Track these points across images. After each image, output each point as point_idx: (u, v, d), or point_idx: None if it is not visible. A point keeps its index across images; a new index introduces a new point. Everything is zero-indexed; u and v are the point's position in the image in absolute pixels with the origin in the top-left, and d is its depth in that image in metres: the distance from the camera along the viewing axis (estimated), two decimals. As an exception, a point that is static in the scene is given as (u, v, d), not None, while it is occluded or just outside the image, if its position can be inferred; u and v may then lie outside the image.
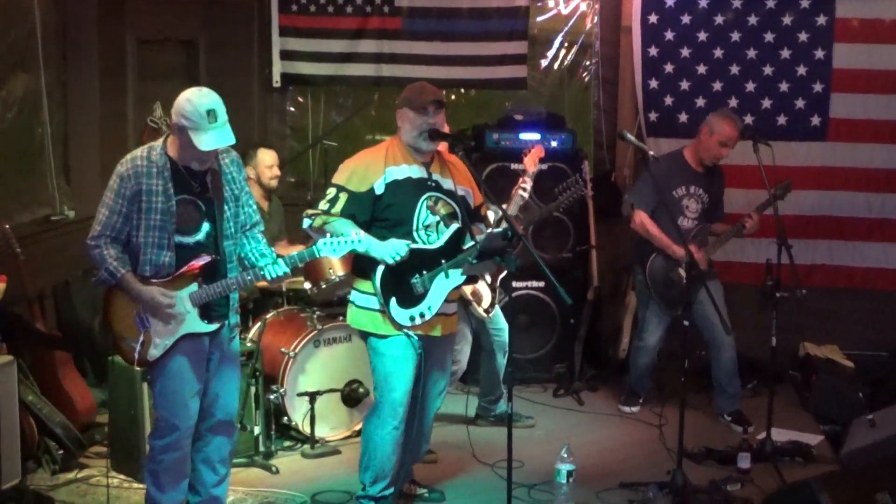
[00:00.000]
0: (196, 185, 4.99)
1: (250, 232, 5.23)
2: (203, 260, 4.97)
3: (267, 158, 7.30)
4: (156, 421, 5.14)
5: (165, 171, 4.91)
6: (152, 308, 4.94)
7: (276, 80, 8.83)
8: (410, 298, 5.36)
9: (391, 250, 5.24)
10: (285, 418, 6.63)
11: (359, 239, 4.97)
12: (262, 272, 5.02)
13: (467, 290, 6.47)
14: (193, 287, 4.97)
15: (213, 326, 5.05)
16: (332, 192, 5.37)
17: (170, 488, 5.13)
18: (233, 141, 4.88)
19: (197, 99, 4.83)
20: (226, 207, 5.06)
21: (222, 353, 5.17)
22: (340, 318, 6.47)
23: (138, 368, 5.49)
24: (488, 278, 6.63)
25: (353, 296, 5.50)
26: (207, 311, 5.03)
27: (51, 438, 6.22)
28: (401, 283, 5.34)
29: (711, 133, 7.05)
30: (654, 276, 7.17)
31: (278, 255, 5.18)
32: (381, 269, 5.28)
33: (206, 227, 5.01)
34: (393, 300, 5.32)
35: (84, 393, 6.74)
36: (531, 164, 6.61)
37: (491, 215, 6.18)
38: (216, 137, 4.82)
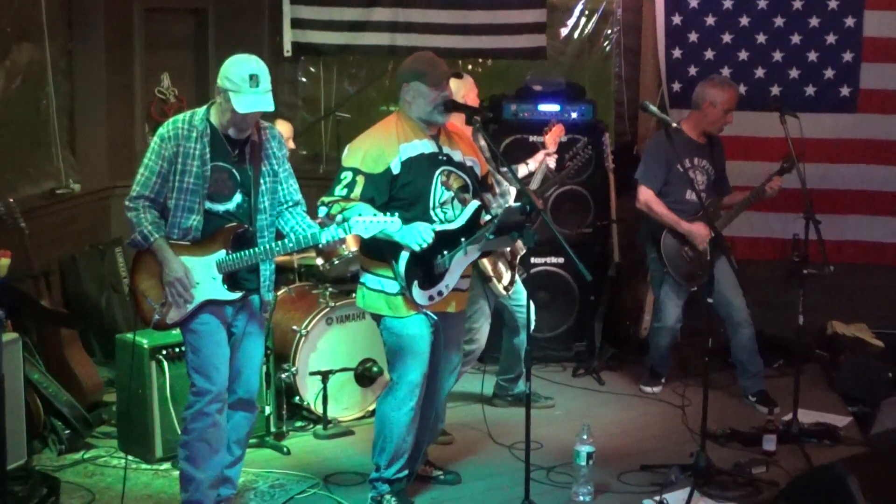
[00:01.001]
0: (234, 155, 5.05)
1: (293, 209, 5.26)
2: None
3: (283, 131, 7.28)
4: (189, 391, 5.14)
5: (205, 137, 4.99)
6: (169, 280, 4.96)
7: (287, 49, 8.78)
8: (431, 279, 5.33)
9: (418, 237, 5.17)
10: (297, 398, 6.63)
11: (392, 220, 4.96)
12: (317, 236, 5.00)
13: (488, 266, 6.45)
14: (222, 254, 5.01)
15: (236, 295, 5.08)
16: (347, 176, 5.29)
17: (204, 462, 5.11)
18: (271, 108, 4.93)
19: (244, 62, 4.93)
20: (262, 181, 5.10)
21: (246, 326, 5.19)
22: (354, 294, 6.46)
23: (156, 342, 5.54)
24: (508, 255, 6.60)
25: (364, 277, 5.46)
26: (233, 280, 5.07)
27: (57, 418, 6.24)
28: (422, 266, 5.30)
29: (714, 105, 7.02)
30: (669, 251, 7.13)
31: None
32: (405, 255, 5.23)
33: (238, 197, 5.06)
34: (415, 283, 5.29)
35: (91, 371, 6.76)
36: (552, 142, 6.59)
37: (514, 190, 6.17)
38: (255, 102, 4.89)
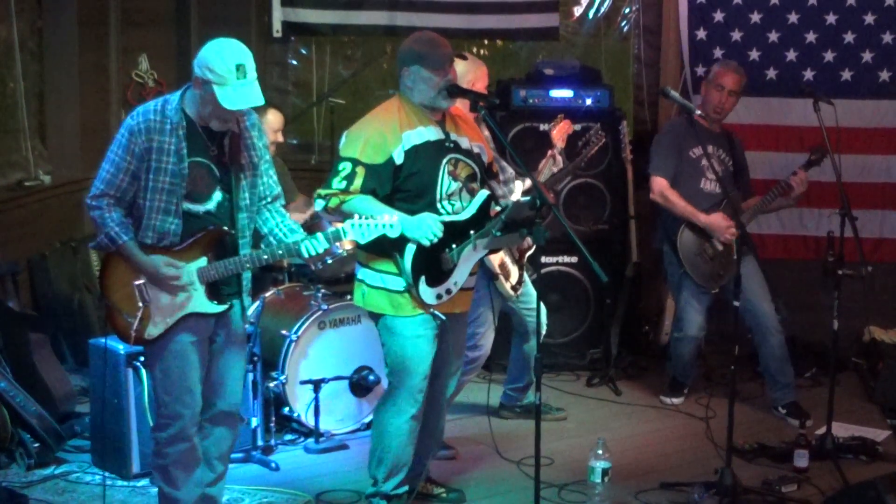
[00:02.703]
0: (213, 149, 4.96)
1: (272, 205, 5.22)
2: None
3: (275, 121, 7.27)
4: (157, 410, 5.10)
5: (180, 130, 4.88)
6: (156, 280, 4.92)
7: (277, 29, 8.79)
8: (438, 275, 5.34)
9: (427, 231, 5.19)
10: (286, 409, 6.64)
11: (391, 224, 4.96)
12: (297, 247, 4.99)
13: (496, 262, 6.45)
14: (203, 262, 4.95)
15: (222, 307, 5.03)
16: (345, 167, 5.27)
17: (184, 483, 5.11)
18: (262, 101, 4.83)
19: (226, 50, 4.79)
20: (242, 176, 5.02)
21: (228, 336, 5.14)
22: (348, 296, 6.46)
23: (134, 347, 5.48)
24: (515, 253, 6.62)
25: (364, 274, 5.46)
26: (216, 289, 5.01)
27: (25, 430, 6.24)
28: (430, 260, 5.30)
29: (709, 82, 7.20)
30: (688, 250, 7.13)
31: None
32: (412, 248, 5.25)
33: (218, 195, 4.98)
34: (422, 280, 5.30)
35: (62, 379, 6.76)
36: (559, 139, 6.58)
37: (519, 184, 6.17)
38: (244, 96, 4.78)
